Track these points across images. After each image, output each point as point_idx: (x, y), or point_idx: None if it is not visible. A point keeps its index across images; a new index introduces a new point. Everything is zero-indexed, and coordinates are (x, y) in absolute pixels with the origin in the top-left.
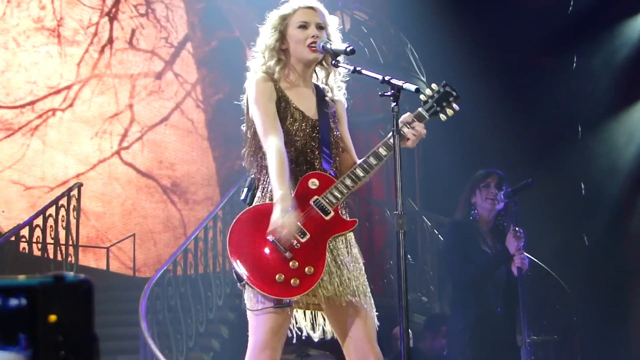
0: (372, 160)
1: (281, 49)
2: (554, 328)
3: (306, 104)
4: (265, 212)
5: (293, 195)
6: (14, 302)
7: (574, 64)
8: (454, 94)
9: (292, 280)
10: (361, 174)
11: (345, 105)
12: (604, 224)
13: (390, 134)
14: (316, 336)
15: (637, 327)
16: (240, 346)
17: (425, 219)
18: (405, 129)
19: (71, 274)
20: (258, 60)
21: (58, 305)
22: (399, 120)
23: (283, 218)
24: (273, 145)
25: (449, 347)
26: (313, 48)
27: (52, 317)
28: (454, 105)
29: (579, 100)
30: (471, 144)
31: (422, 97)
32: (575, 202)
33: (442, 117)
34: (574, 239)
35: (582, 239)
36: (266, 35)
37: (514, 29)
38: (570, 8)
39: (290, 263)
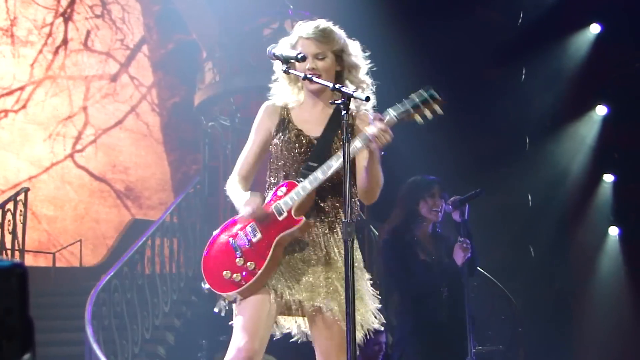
0: (333, 163)
1: (292, 75)
2: (500, 338)
3: (311, 125)
4: (233, 222)
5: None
6: None
7: (523, 76)
8: (436, 97)
9: (234, 275)
10: (320, 177)
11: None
12: (550, 235)
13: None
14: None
15: (582, 338)
16: (186, 352)
17: (372, 228)
18: (367, 129)
19: (3, 259)
20: (276, 85)
21: None
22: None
23: (244, 208)
24: (232, 179)
25: (392, 355)
26: (311, 81)
27: None
28: (435, 107)
29: (526, 112)
30: (418, 152)
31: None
32: (521, 213)
33: (417, 118)
34: (520, 249)
35: (528, 250)
36: (277, 64)
37: (463, 40)
38: (520, 20)
39: (237, 260)
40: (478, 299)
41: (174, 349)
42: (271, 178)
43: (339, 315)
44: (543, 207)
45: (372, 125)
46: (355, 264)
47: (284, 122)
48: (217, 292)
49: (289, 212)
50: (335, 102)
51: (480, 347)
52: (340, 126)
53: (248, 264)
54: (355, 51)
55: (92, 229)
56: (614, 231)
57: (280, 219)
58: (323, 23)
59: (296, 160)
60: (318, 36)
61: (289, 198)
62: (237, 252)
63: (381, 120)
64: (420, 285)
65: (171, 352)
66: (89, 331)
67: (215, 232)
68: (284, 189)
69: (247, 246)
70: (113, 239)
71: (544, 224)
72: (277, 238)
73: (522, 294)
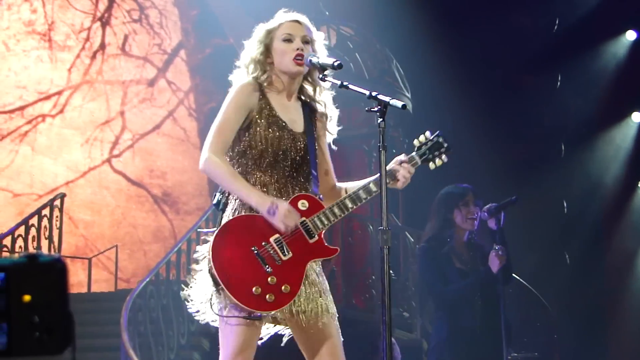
0: (362, 194)
1: (267, 62)
2: (535, 345)
3: (290, 117)
4: (248, 222)
5: None
6: None
7: (559, 83)
8: (445, 145)
9: (267, 295)
10: (350, 205)
11: (333, 122)
12: (585, 242)
13: (374, 177)
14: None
15: (617, 345)
16: None
17: (407, 234)
18: (396, 167)
19: (44, 253)
20: (242, 74)
21: (32, 285)
22: (394, 160)
23: (278, 217)
24: (214, 159)
25: None
26: (298, 61)
27: (27, 297)
28: (444, 156)
29: (562, 119)
30: (454, 160)
31: (415, 142)
32: (557, 220)
33: (432, 165)
34: (555, 256)
35: (563, 257)
36: (252, 49)
37: (499, 47)
38: (556, 27)
39: (269, 278)
40: (513, 305)
41: (209, 354)
42: (259, 173)
43: (334, 321)
44: (578, 214)
45: (401, 166)
46: (322, 279)
47: (265, 109)
48: (242, 305)
49: (320, 236)
50: (372, 109)
51: (515, 354)
52: (314, 123)
53: (283, 287)
54: (322, 42)
55: (129, 234)
56: None
57: (311, 241)
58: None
59: (286, 157)
60: (304, 21)
61: (317, 220)
62: (267, 268)
63: (411, 164)
64: (456, 293)
65: (206, 357)
66: (125, 337)
67: (218, 232)
68: (305, 203)
69: (277, 263)
70: (150, 245)
71: (579, 230)
72: (309, 263)
73: (557, 301)
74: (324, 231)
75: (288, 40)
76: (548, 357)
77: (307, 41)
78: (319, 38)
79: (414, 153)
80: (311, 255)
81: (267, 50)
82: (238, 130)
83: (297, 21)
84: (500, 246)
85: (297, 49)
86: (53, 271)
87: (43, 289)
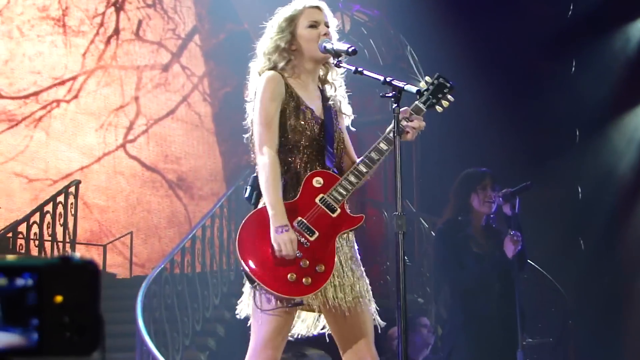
0: (374, 155)
1: (291, 50)
2: (550, 331)
3: (315, 103)
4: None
5: (298, 196)
6: (20, 282)
7: (573, 68)
8: (448, 85)
9: (304, 279)
10: (364, 170)
11: (346, 105)
12: (600, 228)
13: (390, 127)
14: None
15: (632, 331)
16: (236, 345)
17: (422, 220)
18: (404, 122)
19: (78, 255)
20: (263, 62)
21: (64, 286)
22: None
23: (278, 240)
24: (268, 158)
25: (443, 348)
26: None
27: (58, 298)
28: (449, 96)
29: (577, 104)
30: (469, 146)
31: (417, 90)
32: (572, 205)
33: (439, 108)
34: (570, 242)
35: (578, 243)
36: (274, 37)
37: (513, 32)
38: (570, 12)
39: (301, 262)
40: (528, 291)
41: (224, 341)
42: (291, 162)
43: (368, 305)
44: (593, 199)
45: (409, 119)
46: (358, 265)
47: (293, 99)
48: (282, 294)
49: (342, 208)
50: (386, 95)
51: (530, 340)
52: (333, 106)
53: (317, 267)
54: (335, 27)
55: (144, 219)
56: None
57: (334, 215)
58: None
59: (313, 141)
60: (324, 7)
61: (336, 193)
62: (297, 253)
63: (416, 114)
64: (471, 278)
65: (221, 344)
66: (140, 323)
67: (242, 226)
68: (320, 179)
69: (305, 246)
70: (164, 230)
71: (594, 216)
72: (337, 236)
73: (572, 287)
74: (344, 202)
75: (313, 26)
76: (563, 342)
77: (328, 26)
78: (334, 24)
79: (417, 102)
80: (338, 228)
81: (292, 37)
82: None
83: (318, 7)
84: (515, 231)
85: (324, 35)
86: (85, 273)
87: (75, 290)
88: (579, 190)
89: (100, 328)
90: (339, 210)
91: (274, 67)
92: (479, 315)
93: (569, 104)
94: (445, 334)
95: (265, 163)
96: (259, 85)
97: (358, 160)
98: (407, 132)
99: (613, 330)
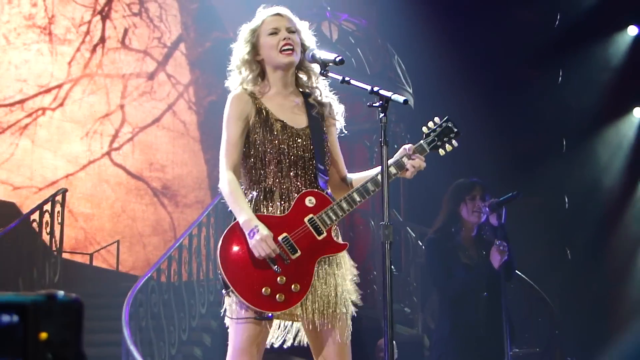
0: (370, 186)
1: (256, 61)
2: (537, 340)
3: (289, 114)
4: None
5: (288, 212)
6: (5, 318)
7: (560, 78)
8: (455, 130)
9: (277, 295)
10: (358, 199)
11: (336, 106)
12: (587, 237)
13: (392, 160)
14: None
15: (618, 340)
16: (222, 354)
17: (409, 230)
18: (405, 160)
19: (62, 293)
20: (235, 78)
21: (49, 323)
22: (400, 151)
23: (253, 244)
24: (226, 176)
25: (430, 357)
26: (287, 52)
27: (43, 335)
28: (454, 141)
29: (564, 114)
30: (456, 155)
31: (424, 129)
32: (558, 215)
33: (441, 152)
34: (557, 252)
35: (565, 252)
36: (240, 50)
37: (500, 42)
38: (557, 22)
39: (278, 278)
40: (515, 301)
41: (211, 350)
42: (266, 178)
43: (345, 320)
44: (580, 209)
45: (411, 157)
46: (340, 276)
47: (261, 113)
48: (252, 306)
49: (329, 232)
50: (374, 105)
51: (517, 350)
52: (319, 114)
53: (292, 286)
54: (307, 32)
55: (128, 227)
56: None
57: (319, 238)
58: None
59: (290, 157)
60: (286, 13)
61: (325, 216)
62: (276, 268)
63: (419, 153)
64: (459, 287)
65: (208, 353)
66: (126, 332)
67: (226, 233)
68: (312, 199)
69: (285, 263)
70: (149, 238)
71: (581, 226)
72: (319, 259)
73: (559, 297)
74: (333, 227)
75: (274, 33)
76: (549, 352)
77: (293, 31)
78: (304, 27)
79: (422, 141)
80: (321, 251)
81: (255, 48)
82: (243, 140)
83: (279, 14)
84: (502, 242)
85: (284, 39)
86: (70, 311)
87: (59, 328)
88: (566, 199)
89: None
90: (325, 234)
91: (244, 81)
92: (467, 324)
93: (556, 113)
94: (433, 344)
95: (223, 180)
96: (226, 106)
97: (354, 188)
98: (407, 170)
99: (599, 340)
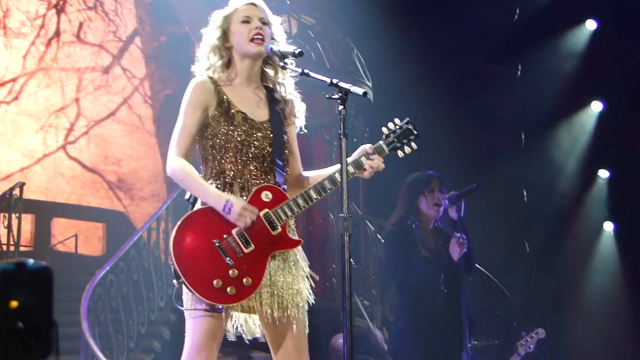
0: (327, 185)
1: (225, 47)
2: (495, 333)
3: (251, 107)
4: (211, 215)
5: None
6: None
7: (519, 72)
8: (415, 132)
9: (228, 288)
10: (314, 196)
11: (298, 105)
12: (545, 230)
13: (350, 160)
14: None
15: (576, 333)
16: (181, 348)
17: (368, 223)
18: (363, 159)
19: (32, 261)
20: (202, 64)
21: (19, 291)
22: (359, 150)
23: (233, 217)
24: (176, 163)
25: (388, 350)
26: (258, 41)
27: (14, 303)
28: (413, 143)
29: (522, 108)
30: (415, 149)
31: (384, 129)
32: (517, 208)
33: (400, 154)
34: (515, 245)
35: (523, 246)
36: (210, 36)
37: (460, 36)
38: (516, 16)
39: (230, 271)
40: (474, 294)
41: (170, 343)
42: (224, 169)
43: (301, 314)
44: (538, 202)
45: (369, 157)
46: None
47: (223, 103)
48: (202, 298)
49: (284, 227)
50: (333, 97)
51: (475, 342)
52: (281, 109)
53: (244, 280)
54: (279, 25)
55: (84, 220)
56: (609, 227)
57: (274, 233)
58: None
59: (249, 150)
60: (260, 4)
61: (281, 211)
62: (228, 261)
63: (378, 154)
64: (419, 280)
65: (167, 346)
66: (84, 326)
67: (180, 224)
68: (269, 194)
69: (238, 256)
70: (105, 230)
71: (539, 219)
72: (272, 254)
73: (517, 289)
74: (288, 222)
75: (246, 22)
76: (508, 345)
77: (265, 23)
78: (276, 22)
79: (381, 142)
80: (274, 246)
81: (225, 34)
82: (200, 129)
83: (253, 4)
84: (461, 234)
85: (256, 28)
86: (40, 278)
87: (30, 296)
88: (525, 193)
89: (54, 332)
90: (279, 229)
91: (211, 67)
92: (425, 317)
93: (515, 107)
94: (391, 336)
95: (173, 168)
96: (186, 91)
97: (311, 185)
98: (365, 170)
99: (557, 332)
